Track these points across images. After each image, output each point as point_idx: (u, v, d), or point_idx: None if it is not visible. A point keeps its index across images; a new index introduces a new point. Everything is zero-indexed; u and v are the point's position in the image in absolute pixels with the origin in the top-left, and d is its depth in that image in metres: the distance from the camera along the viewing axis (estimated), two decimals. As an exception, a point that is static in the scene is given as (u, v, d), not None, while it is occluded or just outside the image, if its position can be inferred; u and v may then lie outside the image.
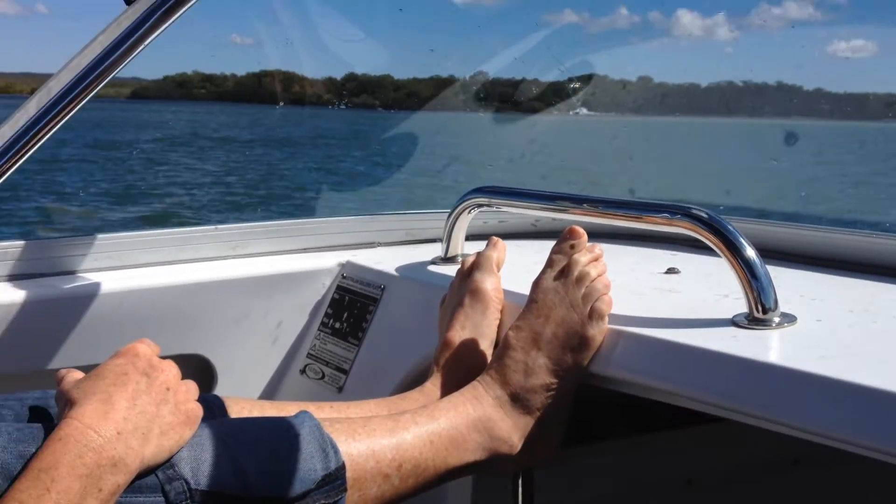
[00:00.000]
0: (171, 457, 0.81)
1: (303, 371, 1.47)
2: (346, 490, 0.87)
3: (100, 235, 1.45)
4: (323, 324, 1.49)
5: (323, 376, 1.43)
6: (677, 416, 1.60)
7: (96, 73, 1.19)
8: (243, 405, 1.03)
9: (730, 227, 1.04)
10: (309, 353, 1.48)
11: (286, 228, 1.60)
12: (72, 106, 1.19)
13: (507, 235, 1.76)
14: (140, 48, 1.19)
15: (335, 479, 0.86)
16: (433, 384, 1.14)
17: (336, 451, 0.87)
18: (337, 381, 1.40)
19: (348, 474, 0.87)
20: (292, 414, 1.01)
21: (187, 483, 0.79)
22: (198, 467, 0.81)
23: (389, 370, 1.34)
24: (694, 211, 1.07)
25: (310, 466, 0.85)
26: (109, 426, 0.76)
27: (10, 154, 1.18)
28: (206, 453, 0.82)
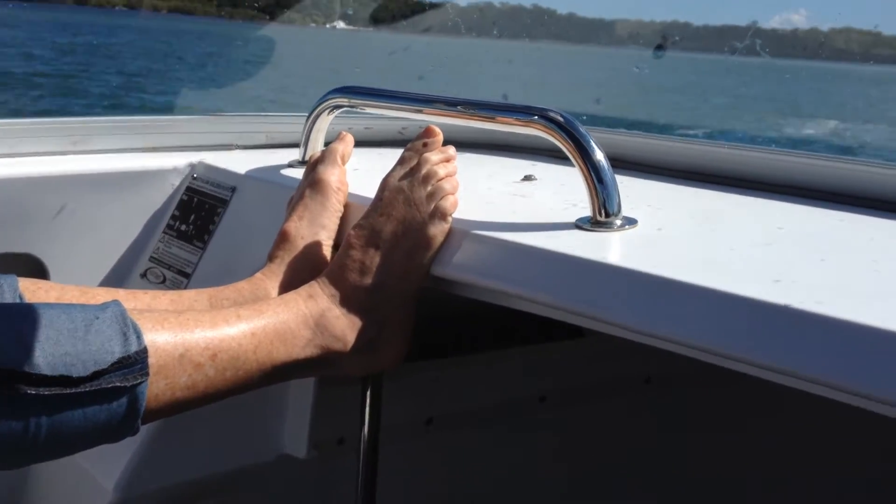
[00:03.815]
0: None
1: (143, 275, 1.39)
2: (147, 375, 0.81)
3: None
4: (168, 226, 1.41)
5: (164, 280, 1.35)
6: (538, 331, 1.60)
7: None
8: (40, 285, 0.95)
9: (581, 130, 1.01)
10: (151, 257, 1.40)
11: (133, 125, 1.49)
12: None
13: (373, 143, 1.71)
14: None
15: (135, 362, 0.80)
16: (263, 274, 1.08)
17: (139, 336, 0.81)
18: (179, 285, 1.32)
19: (152, 360, 0.81)
20: (99, 297, 0.94)
21: None
22: None
23: (234, 274, 1.27)
24: (550, 113, 1.04)
25: (107, 349, 0.78)
26: None
27: None
28: None
